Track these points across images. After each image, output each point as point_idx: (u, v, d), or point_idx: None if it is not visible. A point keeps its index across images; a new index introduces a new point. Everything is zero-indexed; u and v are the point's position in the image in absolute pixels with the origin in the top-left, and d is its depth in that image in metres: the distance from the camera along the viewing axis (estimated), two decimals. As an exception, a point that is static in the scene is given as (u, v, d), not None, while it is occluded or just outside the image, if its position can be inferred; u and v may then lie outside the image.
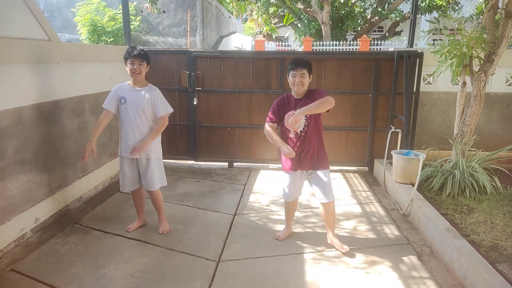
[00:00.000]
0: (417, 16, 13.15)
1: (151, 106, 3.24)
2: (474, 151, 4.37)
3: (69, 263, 2.96)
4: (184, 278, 2.76)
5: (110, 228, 3.57)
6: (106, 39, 12.04)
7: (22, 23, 3.34)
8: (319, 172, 3.13)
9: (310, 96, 3.03)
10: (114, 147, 4.93)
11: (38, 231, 3.51)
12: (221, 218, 3.84)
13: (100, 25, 12.05)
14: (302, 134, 3.06)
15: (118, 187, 4.61)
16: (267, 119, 3.17)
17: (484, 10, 4.21)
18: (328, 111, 2.98)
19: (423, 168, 4.43)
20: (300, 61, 3.01)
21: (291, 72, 3.02)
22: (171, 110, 3.35)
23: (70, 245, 3.26)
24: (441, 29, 4.37)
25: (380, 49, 13.32)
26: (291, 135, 3.10)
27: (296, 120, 2.91)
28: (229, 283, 2.71)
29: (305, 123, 3.05)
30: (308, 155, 3.09)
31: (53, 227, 3.60)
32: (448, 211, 3.57)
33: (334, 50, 12.92)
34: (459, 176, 3.98)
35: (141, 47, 3.23)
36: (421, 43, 11.39)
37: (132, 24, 12.61)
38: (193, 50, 5.54)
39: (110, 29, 12.05)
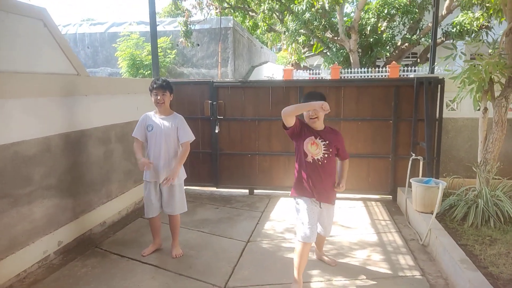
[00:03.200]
0: (449, 41, 12.94)
1: (175, 132, 3.47)
2: (499, 179, 4.17)
3: (84, 285, 3.11)
4: (188, 303, 2.81)
5: (127, 252, 3.71)
6: (144, 72, 12.77)
7: (51, 59, 3.68)
8: (331, 207, 3.14)
9: (332, 134, 3.04)
10: (139, 174, 5.15)
11: (60, 253, 3.70)
12: (233, 244, 3.88)
13: (139, 59, 12.82)
14: (320, 163, 2.94)
15: (141, 213, 4.84)
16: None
17: (503, 34, 4.12)
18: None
19: (446, 197, 4.29)
20: (314, 95, 2.93)
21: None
22: (193, 137, 3.56)
23: (87, 268, 3.41)
24: (458, 55, 4.31)
25: (410, 75, 13.12)
26: (309, 159, 2.95)
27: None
28: (231, 310, 2.72)
29: (324, 154, 2.94)
30: (325, 186, 2.99)
31: (75, 250, 3.79)
32: (469, 242, 3.40)
33: (359, 77, 12.87)
34: (482, 205, 3.80)
35: (164, 78, 3.51)
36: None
37: (168, 57, 13.33)
38: (215, 80, 5.79)
39: (148, 63, 12.79)
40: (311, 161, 2.96)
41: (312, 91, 3.10)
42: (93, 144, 4.21)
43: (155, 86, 3.41)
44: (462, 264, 2.84)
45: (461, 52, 4.31)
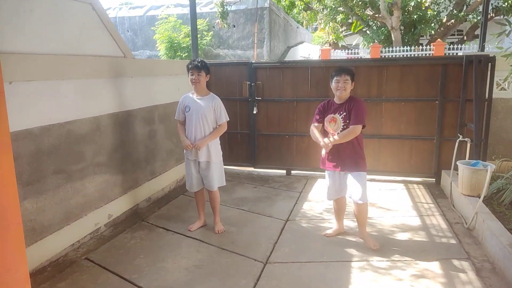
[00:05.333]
0: (499, 17, 12.08)
1: (212, 113, 3.57)
2: (554, 162, 3.94)
3: (134, 255, 3.30)
4: (232, 275, 2.93)
5: (172, 227, 3.89)
6: (182, 54, 12.97)
7: (100, 42, 3.84)
8: (354, 174, 3.28)
9: (350, 102, 3.24)
10: (179, 153, 5.32)
11: (110, 226, 3.94)
12: (273, 222, 3.96)
13: (176, 42, 13.02)
14: None
15: (182, 190, 5.03)
16: (313, 120, 3.45)
17: None
18: (364, 126, 3.23)
19: (493, 180, 4.13)
20: (343, 68, 3.28)
21: (334, 78, 3.26)
22: (227, 118, 3.66)
23: (136, 240, 3.62)
24: (511, 30, 4.03)
25: (457, 53, 12.45)
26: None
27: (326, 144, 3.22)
28: (273, 284, 2.80)
29: (343, 127, 3.23)
30: (344, 157, 3.27)
31: (124, 223, 4.02)
32: (518, 227, 3.27)
33: (401, 56, 12.37)
34: (534, 190, 3.62)
35: (200, 59, 3.58)
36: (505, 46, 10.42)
37: (205, 39, 13.43)
38: (253, 61, 5.79)
39: (185, 45, 12.97)
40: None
41: (341, 65, 3.42)
42: (138, 124, 4.39)
43: (190, 66, 3.52)
44: (511, 248, 2.75)
45: (517, 27, 4.03)
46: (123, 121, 4.11)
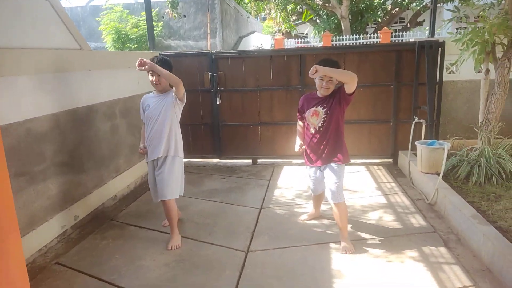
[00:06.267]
0: (440, 5, 12.89)
1: (172, 104, 3.21)
2: (501, 138, 4.32)
3: (109, 256, 3.17)
4: (216, 267, 2.91)
5: (144, 223, 3.77)
6: (130, 45, 12.43)
7: (55, 33, 3.58)
8: (331, 165, 3.10)
9: (335, 93, 3.02)
10: (143, 148, 5.15)
11: (77, 227, 3.74)
12: (247, 212, 3.98)
13: (124, 33, 12.44)
14: (321, 129, 3.09)
15: (148, 186, 4.86)
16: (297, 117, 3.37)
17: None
18: (352, 94, 2.94)
19: (448, 157, 4.42)
20: (328, 62, 2.90)
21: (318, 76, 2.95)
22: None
23: (108, 240, 3.47)
24: (461, 17, 4.33)
25: (401, 40, 13.12)
26: (311, 130, 3.16)
27: (316, 70, 2.75)
28: (259, 271, 2.83)
29: (324, 118, 3.06)
30: (324, 150, 3.11)
31: (91, 224, 3.83)
32: (475, 199, 3.56)
33: (353, 44, 12.82)
34: (485, 164, 3.95)
35: (162, 56, 3.25)
36: (444, 32, 11.14)
37: (155, 30, 12.95)
38: (214, 51, 5.71)
39: (133, 36, 12.43)
40: (313, 131, 3.15)
41: (327, 58, 3.04)
42: (100, 120, 4.18)
43: None
44: (474, 220, 2.99)
45: (464, 15, 4.33)
46: (83, 117, 3.89)
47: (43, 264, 3.08)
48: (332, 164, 3.11)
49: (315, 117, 3.09)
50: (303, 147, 3.28)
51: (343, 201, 3.11)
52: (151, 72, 3.18)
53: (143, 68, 3.06)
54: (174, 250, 3.22)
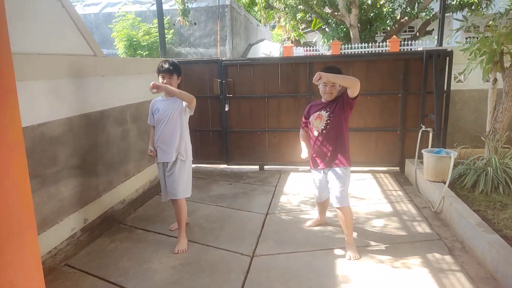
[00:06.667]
0: (448, 14, 12.89)
1: (181, 111, 3.33)
2: (508, 147, 4.31)
3: (117, 258, 3.23)
4: (222, 271, 2.96)
5: (151, 227, 3.84)
6: (142, 52, 12.64)
7: (71, 40, 3.70)
8: (335, 169, 3.15)
9: (338, 98, 3.12)
10: (152, 153, 5.24)
11: (87, 230, 3.82)
12: (253, 217, 4.02)
13: (135, 40, 12.66)
14: (324, 132, 3.17)
15: (157, 190, 4.96)
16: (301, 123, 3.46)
17: (514, 5, 4.17)
18: (355, 99, 3.01)
19: (455, 166, 4.42)
20: (331, 69, 3.01)
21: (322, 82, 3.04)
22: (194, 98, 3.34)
23: (116, 243, 3.54)
24: (469, 26, 4.36)
25: (410, 49, 13.12)
26: (315, 133, 3.25)
27: (320, 77, 2.85)
28: (264, 275, 2.87)
29: (327, 121, 3.14)
30: (328, 153, 3.17)
31: (100, 227, 3.91)
32: (481, 208, 3.56)
33: (362, 52, 12.86)
34: (492, 173, 3.95)
35: (172, 60, 3.37)
36: (452, 42, 11.14)
37: (166, 37, 13.14)
38: (224, 59, 5.81)
39: (145, 43, 12.65)
40: (317, 134, 3.24)
41: (329, 66, 3.19)
42: (111, 125, 4.27)
43: (161, 69, 3.29)
44: (479, 228, 3.00)
45: (472, 24, 4.36)
46: (96, 121, 3.99)
47: (53, 266, 3.15)
48: (336, 169, 3.15)
49: (319, 120, 3.20)
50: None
51: (347, 206, 3.13)
52: (162, 75, 3.31)
53: (157, 91, 3.20)
54: (180, 254, 3.27)
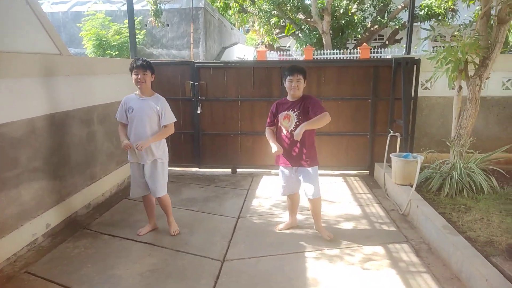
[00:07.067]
0: (417, 24, 13.36)
1: (157, 114, 3.39)
2: (472, 152, 4.47)
3: (80, 265, 3.09)
4: (191, 277, 2.89)
5: (118, 232, 3.70)
6: (111, 52, 12.33)
7: (35, 38, 3.53)
8: (307, 169, 3.38)
9: (304, 100, 3.31)
10: (120, 155, 5.08)
11: (49, 236, 3.64)
12: (225, 221, 3.97)
13: (105, 39, 12.35)
14: (293, 132, 3.28)
15: (124, 194, 4.81)
16: (266, 123, 3.54)
17: (478, 17, 4.35)
18: None
19: (422, 170, 4.54)
20: (296, 68, 3.31)
21: (288, 78, 3.30)
22: (175, 119, 3.52)
23: (80, 249, 3.39)
24: (436, 36, 4.51)
25: (380, 56, 13.50)
26: (284, 132, 3.40)
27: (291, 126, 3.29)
28: (234, 280, 2.82)
29: (296, 123, 3.29)
30: (297, 152, 3.36)
31: (63, 232, 3.74)
32: (446, 210, 3.67)
33: (334, 58, 13.11)
34: (456, 177, 4.08)
35: (144, 58, 3.41)
36: (420, 50, 11.56)
37: (137, 38, 12.90)
38: (196, 61, 5.73)
39: (115, 43, 12.35)
40: (285, 133, 3.38)
41: (294, 64, 3.45)
42: (76, 126, 4.11)
43: (135, 65, 3.30)
44: (445, 230, 3.08)
45: (439, 34, 4.51)
46: (60, 122, 3.82)
47: (11, 273, 2.97)
48: (308, 169, 3.37)
49: (287, 120, 3.33)
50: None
51: (319, 196, 3.46)
52: (135, 71, 3.32)
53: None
54: (149, 258, 3.18)
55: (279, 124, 3.42)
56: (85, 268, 3.04)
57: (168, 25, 13.48)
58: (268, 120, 3.53)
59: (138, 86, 3.38)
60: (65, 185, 3.93)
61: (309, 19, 13.73)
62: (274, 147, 3.33)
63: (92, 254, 3.28)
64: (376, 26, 14.19)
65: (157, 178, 3.47)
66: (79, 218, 4.10)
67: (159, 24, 12.73)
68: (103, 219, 4.09)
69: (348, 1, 13.90)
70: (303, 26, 15.10)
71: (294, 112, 3.31)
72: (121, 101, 3.51)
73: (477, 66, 4.38)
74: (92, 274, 2.95)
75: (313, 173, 3.38)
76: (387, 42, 15.38)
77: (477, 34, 4.32)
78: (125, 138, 3.42)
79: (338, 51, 13.66)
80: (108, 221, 4.03)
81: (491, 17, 4.39)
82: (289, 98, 3.41)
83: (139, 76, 3.31)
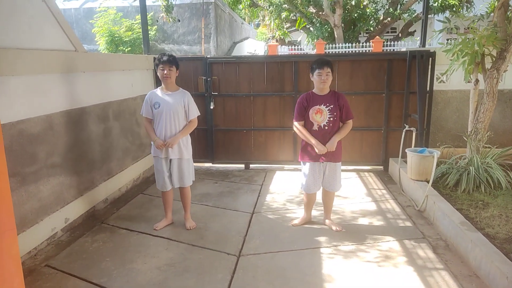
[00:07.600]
0: (431, 16, 13.13)
1: (183, 109, 3.47)
2: (489, 147, 4.40)
3: (99, 259, 3.15)
4: (208, 271, 2.92)
5: (135, 227, 3.76)
6: (124, 48, 12.40)
7: (51, 35, 3.58)
8: (335, 164, 3.44)
9: (337, 97, 3.33)
10: (136, 151, 5.14)
11: (68, 230, 3.72)
12: (239, 216, 3.99)
13: (117, 35, 12.41)
14: (326, 128, 3.31)
15: (140, 189, 4.88)
16: (295, 118, 3.45)
17: (495, 7, 4.25)
18: None
19: (438, 165, 4.49)
20: (324, 61, 3.29)
21: (316, 71, 3.28)
22: (199, 113, 3.63)
23: (98, 243, 3.45)
24: (452, 28, 4.43)
25: (393, 49, 13.32)
26: (315, 127, 3.36)
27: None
28: (250, 275, 2.84)
29: (329, 118, 3.29)
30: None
31: (82, 227, 3.81)
32: (463, 206, 3.63)
33: (346, 52, 12.97)
34: (474, 172, 4.03)
35: (170, 53, 3.47)
36: (435, 43, 11.36)
37: (149, 33, 12.95)
38: (209, 56, 5.74)
39: (127, 39, 12.41)
40: (317, 128, 3.34)
41: (322, 58, 3.45)
42: (93, 122, 4.16)
43: (162, 60, 3.37)
44: (463, 226, 3.05)
45: (454, 26, 4.43)
46: (76, 119, 3.88)
47: (32, 267, 3.05)
48: (337, 164, 3.45)
49: (319, 114, 3.31)
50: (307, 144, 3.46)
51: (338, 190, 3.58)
52: (161, 66, 3.38)
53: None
54: (166, 252, 3.23)
55: (309, 119, 3.36)
56: (104, 262, 3.09)
57: (179, 20, 13.48)
58: (296, 114, 3.43)
59: (164, 81, 3.45)
60: (82, 180, 3.99)
61: (320, 13, 13.59)
62: (321, 148, 3.29)
63: (110, 248, 3.34)
64: (388, 19, 13.98)
65: (186, 170, 3.60)
66: (97, 213, 4.17)
67: (171, 20, 12.73)
68: (120, 214, 4.15)
69: (360, -6, 13.73)
70: (314, 20, 14.95)
71: (326, 107, 3.29)
72: (145, 96, 3.58)
73: (494, 59, 4.29)
74: (111, 267, 3.01)
75: (339, 168, 3.48)
76: (400, 35, 15.16)
77: (494, 25, 4.22)
78: (156, 136, 3.48)
79: (350, 44, 13.51)
80: (126, 216, 4.08)
81: (510, 7, 4.29)
82: (316, 91, 3.37)
83: (166, 72, 3.38)
